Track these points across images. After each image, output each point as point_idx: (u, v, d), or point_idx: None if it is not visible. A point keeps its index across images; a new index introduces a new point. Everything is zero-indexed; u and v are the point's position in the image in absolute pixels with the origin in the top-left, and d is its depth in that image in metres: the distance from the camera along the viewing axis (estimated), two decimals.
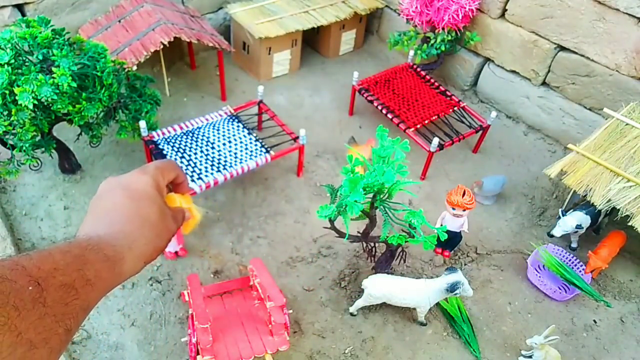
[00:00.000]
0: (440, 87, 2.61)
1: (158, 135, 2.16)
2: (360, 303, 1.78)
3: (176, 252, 1.96)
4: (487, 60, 2.81)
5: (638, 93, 2.27)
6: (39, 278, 0.44)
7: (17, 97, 1.63)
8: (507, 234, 2.20)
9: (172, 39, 2.24)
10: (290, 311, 1.74)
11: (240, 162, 2.08)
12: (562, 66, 2.50)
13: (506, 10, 2.57)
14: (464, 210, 1.81)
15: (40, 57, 1.74)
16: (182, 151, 2.11)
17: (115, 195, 0.63)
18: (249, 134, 2.23)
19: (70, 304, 0.46)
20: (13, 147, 1.83)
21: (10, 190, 2.16)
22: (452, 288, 1.65)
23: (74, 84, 1.69)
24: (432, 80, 2.65)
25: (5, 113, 1.70)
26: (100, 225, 0.59)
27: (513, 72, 2.71)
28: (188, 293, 1.61)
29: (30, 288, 0.42)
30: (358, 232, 1.74)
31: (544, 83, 2.63)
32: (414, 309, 1.77)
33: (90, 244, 0.54)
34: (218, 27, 3.03)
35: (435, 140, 2.21)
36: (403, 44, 2.77)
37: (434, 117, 2.45)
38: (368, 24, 3.24)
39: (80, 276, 0.49)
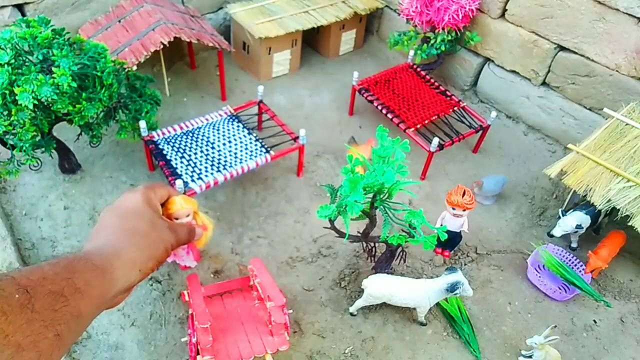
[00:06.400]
0: (440, 87, 2.61)
1: (158, 135, 2.16)
2: (360, 303, 1.78)
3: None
4: (487, 60, 2.81)
5: (638, 93, 2.27)
6: (28, 286, 0.47)
7: (17, 97, 1.63)
8: (507, 234, 2.20)
9: (172, 39, 2.24)
10: (290, 311, 1.74)
11: (240, 162, 2.08)
12: (562, 66, 2.50)
13: (506, 10, 2.57)
14: (464, 210, 1.81)
15: (40, 57, 1.73)
16: (182, 151, 2.11)
17: (106, 216, 0.71)
18: (249, 134, 2.23)
19: (60, 310, 0.48)
20: (13, 147, 1.83)
21: (10, 190, 2.16)
22: (452, 288, 1.65)
23: (74, 84, 1.69)
24: (432, 80, 2.65)
25: (5, 113, 1.70)
26: (91, 243, 0.65)
27: (513, 72, 2.71)
28: (188, 293, 1.61)
29: (17, 295, 0.45)
30: (358, 232, 1.74)
31: (544, 83, 2.63)
32: (414, 309, 1.77)
33: (77, 256, 0.58)
34: (218, 27, 3.03)
35: (435, 140, 2.21)
36: (403, 44, 2.77)
37: (434, 117, 2.45)
38: (368, 24, 3.23)
39: (69, 284, 0.51)
